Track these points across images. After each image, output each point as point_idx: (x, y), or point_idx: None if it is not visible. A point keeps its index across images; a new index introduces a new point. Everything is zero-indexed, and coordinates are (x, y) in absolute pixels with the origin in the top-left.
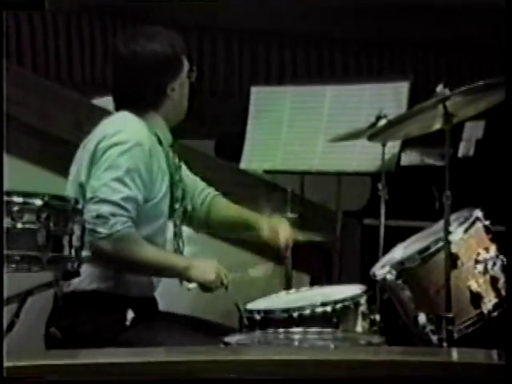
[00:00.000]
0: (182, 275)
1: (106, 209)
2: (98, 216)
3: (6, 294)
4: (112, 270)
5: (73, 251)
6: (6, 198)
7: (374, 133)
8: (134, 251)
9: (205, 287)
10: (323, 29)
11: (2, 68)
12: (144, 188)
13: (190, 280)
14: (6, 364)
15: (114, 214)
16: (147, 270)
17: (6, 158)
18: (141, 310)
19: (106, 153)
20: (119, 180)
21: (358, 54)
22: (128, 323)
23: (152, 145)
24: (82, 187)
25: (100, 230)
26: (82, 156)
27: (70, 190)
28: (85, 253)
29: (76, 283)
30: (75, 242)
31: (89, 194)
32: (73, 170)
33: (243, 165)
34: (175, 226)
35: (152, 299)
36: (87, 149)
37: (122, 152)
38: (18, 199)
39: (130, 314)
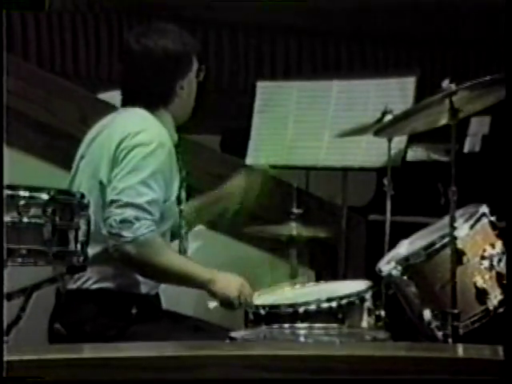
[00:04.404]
0: (204, 288)
1: (130, 213)
2: (123, 220)
3: (12, 288)
4: (133, 273)
5: (78, 246)
6: (11, 192)
7: (380, 128)
8: (157, 257)
9: (225, 304)
10: (329, 24)
11: (2, 66)
12: (165, 189)
13: (210, 294)
14: (10, 358)
15: (138, 218)
16: (170, 277)
17: (11, 152)
18: (145, 307)
19: (130, 153)
20: (144, 183)
21: (363, 48)
22: (132, 319)
23: (170, 144)
24: (102, 185)
25: (125, 234)
26: (98, 152)
27: (84, 186)
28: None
29: (81, 281)
30: (81, 236)
31: (112, 196)
32: (81, 164)
33: (249, 160)
34: (180, 227)
35: (156, 296)
36: (106, 145)
37: (147, 154)
38: (24, 193)
39: (134, 311)
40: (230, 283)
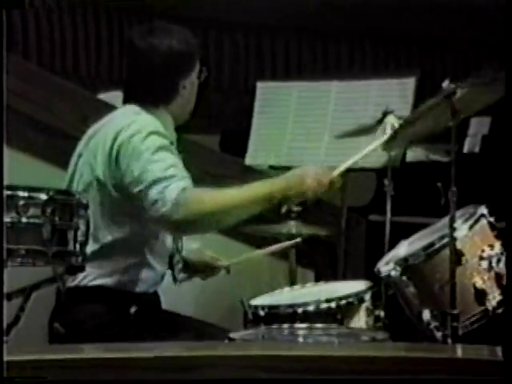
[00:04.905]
0: (280, 199)
1: (151, 192)
2: (152, 203)
3: (10, 289)
4: (132, 270)
5: (77, 246)
6: (10, 193)
7: (388, 141)
8: (203, 205)
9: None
10: (329, 24)
11: (2, 65)
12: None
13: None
14: (10, 358)
15: (161, 192)
16: (235, 213)
17: (11, 152)
18: (144, 306)
19: (129, 145)
20: (151, 160)
21: (363, 49)
22: (131, 318)
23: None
24: (99, 182)
25: (162, 210)
26: (95, 150)
27: (83, 184)
28: None
29: (80, 279)
30: (80, 236)
31: (138, 188)
32: (79, 162)
33: (248, 160)
34: None
35: (155, 295)
36: (101, 143)
37: (143, 138)
38: (23, 193)
39: (133, 309)
40: (303, 181)
